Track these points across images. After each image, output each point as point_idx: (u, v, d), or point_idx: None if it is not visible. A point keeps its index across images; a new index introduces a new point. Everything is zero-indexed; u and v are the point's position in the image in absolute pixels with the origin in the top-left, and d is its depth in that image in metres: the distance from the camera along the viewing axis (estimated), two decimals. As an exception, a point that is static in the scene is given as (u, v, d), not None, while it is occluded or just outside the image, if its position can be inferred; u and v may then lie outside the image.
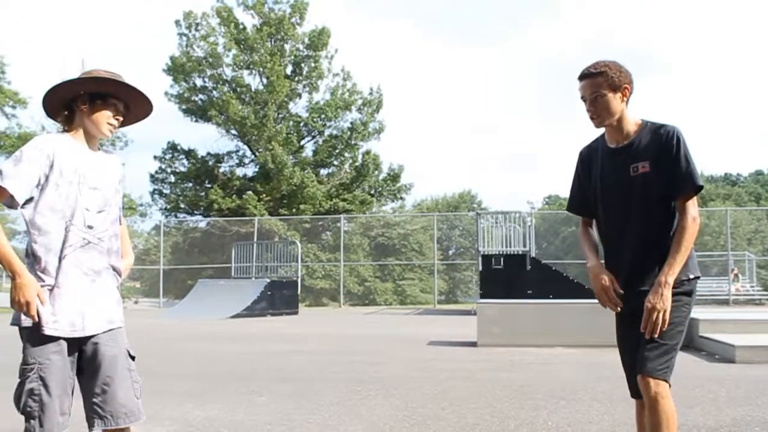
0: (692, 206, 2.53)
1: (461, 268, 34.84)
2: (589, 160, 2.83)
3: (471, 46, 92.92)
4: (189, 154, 32.97)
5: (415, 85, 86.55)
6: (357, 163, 32.94)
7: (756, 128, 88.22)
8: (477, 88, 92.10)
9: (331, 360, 7.69)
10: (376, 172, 33.06)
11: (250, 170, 33.40)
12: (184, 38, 31.49)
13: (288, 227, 28.90)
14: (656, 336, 2.46)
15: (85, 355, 2.36)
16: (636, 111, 2.68)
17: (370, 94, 32.68)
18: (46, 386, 2.24)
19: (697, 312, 9.30)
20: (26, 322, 2.24)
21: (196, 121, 32.40)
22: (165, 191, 33.52)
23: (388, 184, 33.42)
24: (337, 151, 32.78)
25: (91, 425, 2.37)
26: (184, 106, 32.17)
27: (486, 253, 16.51)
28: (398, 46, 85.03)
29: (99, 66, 2.56)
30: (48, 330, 2.25)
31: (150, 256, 30.38)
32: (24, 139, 27.63)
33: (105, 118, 2.45)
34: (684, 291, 2.53)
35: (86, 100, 2.42)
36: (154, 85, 41.87)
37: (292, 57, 32.51)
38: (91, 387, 2.35)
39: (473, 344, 8.91)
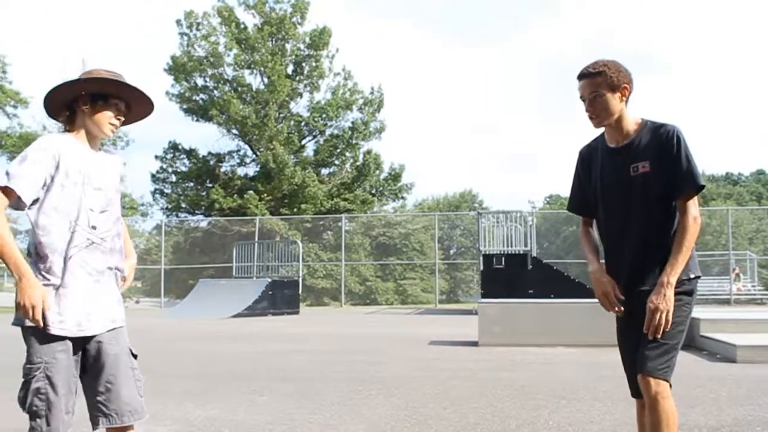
0: (693, 206, 2.52)
1: (462, 267, 34.86)
2: (589, 159, 2.82)
3: (471, 46, 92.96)
4: (190, 153, 32.97)
5: (415, 85, 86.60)
6: (358, 163, 32.93)
7: (757, 128, 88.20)
8: (477, 88, 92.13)
9: (333, 359, 7.70)
10: (377, 172, 33.05)
11: (251, 170, 33.44)
12: (185, 38, 31.50)
13: (289, 227, 28.91)
14: (659, 336, 2.46)
15: (88, 354, 2.37)
16: (636, 111, 2.67)
17: (371, 93, 32.69)
18: (52, 385, 2.25)
19: (698, 311, 9.30)
20: (28, 322, 2.24)
21: (197, 120, 32.41)
22: (166, 191, 33.54)
23: (389, 184, 33.40)
24: (338, 150, 32.77)
25: (95, 424, 2.37)
26: (185, 106, 32.16)
27: (487, 252, 16.51)
28: (398, 46, 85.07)
29: (100, 66, 2.56)
30: (55, 329, 2.26)
31: (151, 255, 30.37)
32: (25, 138, 27.67)
33: (107, 118, 2.45)
34: (685, 290, 2.52)
35: (87, 101, 2.42)
36: (155, 84, 41.89)
37: (293, 56, 32.50)
38: (95, 386, 2.36)
39: (474, 344, 8.91)
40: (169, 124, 50.32)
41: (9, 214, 2.30)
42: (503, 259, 16.13)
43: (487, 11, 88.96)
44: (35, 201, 2.31)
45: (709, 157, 73.62)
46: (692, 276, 2.55)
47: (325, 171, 33.49)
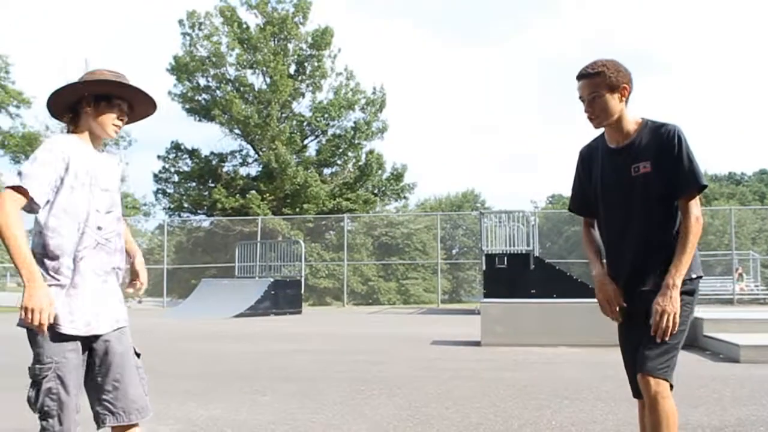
0: (695, 206, 2.51)
1: (465, 267, 34.86)
2: (590, 159, 2.81)
3: (471, 46, 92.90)
4: (192, 153, 33.01)
5: (416, 85, 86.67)
6: (360, 163, 32.93)
7: (760, 127, 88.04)
8: (477, 88, 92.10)
9: (335, 359, 7.70)
10: (380, 172, 33.06)
11: (254, 170, 33.48)
12: (188, 38, 31.55)
13: (291, 227, 28.92)
14: (666, 338, 2.45)
15: (95, 354, 2.38)
16: (637, 111, 2.66)
17: (374, 93, 32.71)
18: (64, 385, 2.26)
19: (701, 311, 9.29)
20: (31, 326, 2.23)
21: (200, 120, 32.45)
22: (168, 191, 33.58)
23: (391, 184, 33.42)
24: (341, 150, 32.78)
25: (102, 422, 2.38)
26: (187, 106, 32.20)
27: (489, 252, 16.49)
28: (399, 47, 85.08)
29: (102, 66, 2.56)
30: (65, 329, 2.27)
31: (153, 255, 30.38)
32: (28, 138, 27.72)
33: (110, 119, 2.46)
34: (686, 290, 2.51)
35: (91, 102, 2.43)
36: (158, 84, 41.93)
37: (296, 56, 32.52)
38: (102, 384, 2.37)
39: (477, 344, 8.90)
40: (171, 124, 50.39)
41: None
42: (506, 258, 16.11)
43: (487, 11, 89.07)
44: (45, 202, 2.32)
45: (711, 157, 73.69)
46: (694, 276, 2.54)
47: (327, 171, 33.51)
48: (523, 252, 16.37)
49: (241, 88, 31.56)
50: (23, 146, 27.69)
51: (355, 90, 32.63)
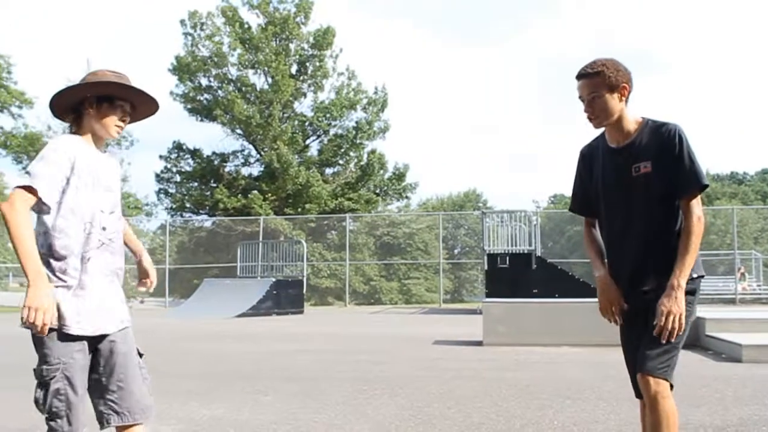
0: (696, 205, 2.50)
1: (467, 267, 34.79)
2: (590, 158, 2.80)
3: (471, 46, 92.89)
4: (194, 153, 33.01)
5: (416, 85, 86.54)
6: (362, 163, 32.90)
7: (763, 126, 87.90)
8: (478, 88, 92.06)
9: (337, 359, 7.70)
10: (382, 172, 33.04)
11: (256, 170, 33.47)
12: (189, 38, 31.53)
13: (293, 226, 28.91)
14: (672, 340, 2.44)
15: (101, 354, 2.39)
16: (639, 110, 2.65)
17: (375, 93, 32.67)
18: (72, 385, 2.27)
19: (703, 311, 9.28)
20: (31, 326, 2.22)
21: (202, 120, 32.45)
22: (170, 191, 33.59)
23: (393, 183, 33.40)
24: (343, 150, 32.76)
25: (106, 422, 2.38)
26: (189, 106, 32.20)
27: (491, 252, 16.49)
28: (399, 47, 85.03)
29: (104, 66, 2.57)
30: (73, 330, 2.27)
31: (155, 255, 30.37)
32: (30, 139, 27.77)
33: (112, 120, 2.46)
34: (687, 290, 2.50)
35: (93, 103, 2.43)
36: (160, 84, 42.01)
37: (297, 56, 32.50)
38: (107, 384, 2.38)
39: (479, 343, 8.90)
40: (173, 124, 50.50)
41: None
42: (508, 258, 16.11)
43: (487, 11, 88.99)
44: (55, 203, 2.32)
45: (714, 157, 73.55)
46: (695, 276, 2.53)
47: (329, 171, 33.49)
48: (525, 252, 16.37)
49: (243, 88, 31.56)
50: (25, 146, 27.73)
51: (356, 90, 32.61)
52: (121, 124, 2.49)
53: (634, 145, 2.59)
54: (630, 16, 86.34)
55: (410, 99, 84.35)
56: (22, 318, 2.17)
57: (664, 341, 2.44)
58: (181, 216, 33.42)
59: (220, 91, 31.93)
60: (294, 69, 32.41)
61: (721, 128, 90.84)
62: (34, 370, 2.28)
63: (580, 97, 2.63)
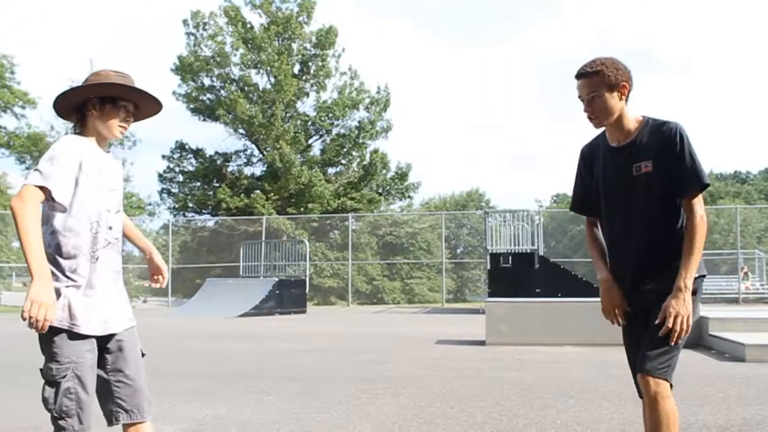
0: (699, 204, 2.49)
1: (469, 266, 34.75)
2: (591, 157, 2.79)
3: (471, 46, 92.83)
4: (197, 153, 33.05)
5: (416, 85, 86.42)
6: (365, 162, 32.91)
7: (766, 125, 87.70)
8: (478, 88, 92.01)
9: (339, 359, 7.70)
10: (384, 171, 33.04)
11: (258, 169, 33.49)
12: (192, 37, 31.56)
13: (296, 226, 28.92)
14: (680, 342, 2.43)
15: (109, 353, 2.40)
16: (641, 109, 2.63)
17: (378, 92, 32.66)
18: (82, 384, 2.27)
19: (706, 310, 9.27)
20: (55, 323, 2.22)
21: (204, 120, 32.48)
22: (173, 190, 33.64)
23: (395, 183, 33.40)
24: (345, 149, 32.77)
25: (115, 419, 2.40)
26: (192, 106, 32.23)
27: (494, 251, 16.49)
28: (399, 47, 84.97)
29: (107, 66, 2.57)
30: (83, 329, 2.28)
31: (158, 255, 30.40)
32: (33, 139, 27.84)
33: (116, 121, 2.47)
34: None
35: (96, 105, 2.44)
36: (162, 84, 42.03)
37: (300, 56, 32.52)
38: (116, 383, 2.40)
39: (482, 343, 8.89)
40: (176, 123, 50.58)
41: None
42: (510, 258, 16.10)
43: (487, 11, 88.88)
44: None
45: (717, 156, 73.41)
46: (696, 275, 2.52)
47: (331, 170, 33.51)
48: (528, 251, 16.37)
49: (246, 88, 31.59)
50: (28, 147, 27.81)
51: (359, 89, 32.61)
52: (125, 124, 2.49)
53: (635, 144, 2.58)
54: (630, 15, 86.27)
55: (411, 99, 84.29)
56: (22, 312, 2.15)
57: (672, 342, 2.42)
58: (184, 216, 33.46)
59: (222, 91, 31.96)
60: (296, 69, 32.42)
61: (724, 127, 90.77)
62: (42, 369, 2.28)
63: (579, 97, 2.62)
